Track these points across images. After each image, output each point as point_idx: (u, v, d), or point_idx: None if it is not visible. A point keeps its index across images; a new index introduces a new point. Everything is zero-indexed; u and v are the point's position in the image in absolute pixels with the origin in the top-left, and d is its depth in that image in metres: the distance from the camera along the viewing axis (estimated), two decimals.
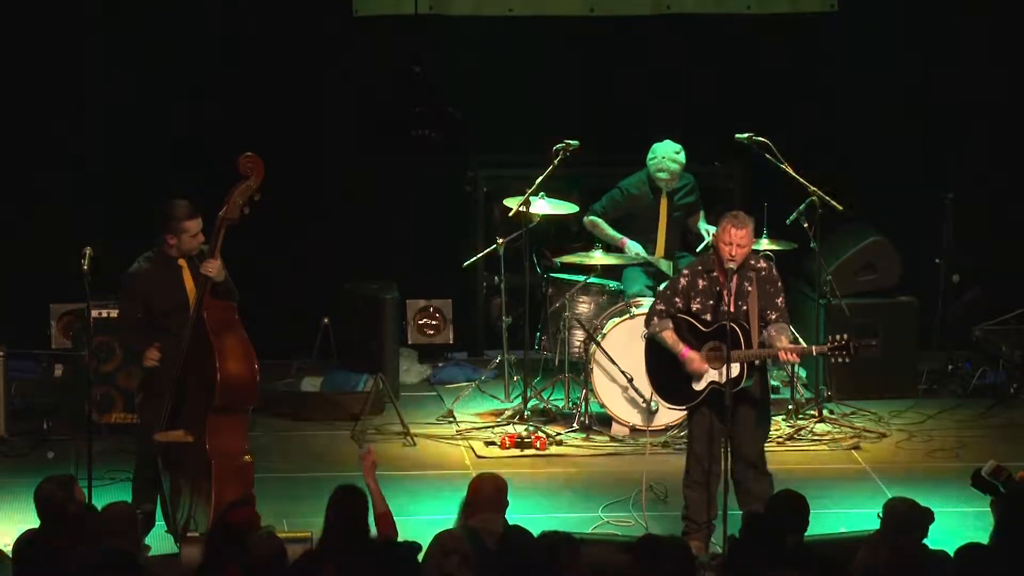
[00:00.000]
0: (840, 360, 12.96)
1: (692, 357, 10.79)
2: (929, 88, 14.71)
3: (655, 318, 10.98)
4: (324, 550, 9.51)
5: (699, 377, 10.87)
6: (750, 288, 10.81)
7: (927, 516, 9.40)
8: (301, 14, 14.45)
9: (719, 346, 10.73)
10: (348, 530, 9.45)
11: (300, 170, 13.74)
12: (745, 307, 10.81)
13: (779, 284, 10.96)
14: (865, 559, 9.21)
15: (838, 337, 11.49)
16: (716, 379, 10.78)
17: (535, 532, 10.11)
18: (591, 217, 13.49)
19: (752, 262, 10.91)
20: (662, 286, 11.50)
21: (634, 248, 13.36)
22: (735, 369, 10.69)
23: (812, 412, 13.42)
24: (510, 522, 9.90)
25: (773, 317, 10.83)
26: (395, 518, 9.89)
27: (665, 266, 13.28)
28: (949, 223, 14.39)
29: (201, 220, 10.82)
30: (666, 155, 13.26)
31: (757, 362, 10.89)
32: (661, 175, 13.28)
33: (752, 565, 8.99)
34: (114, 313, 12.20)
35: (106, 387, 12.94)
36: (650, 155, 13.31)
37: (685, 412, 11.28)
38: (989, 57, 14.78)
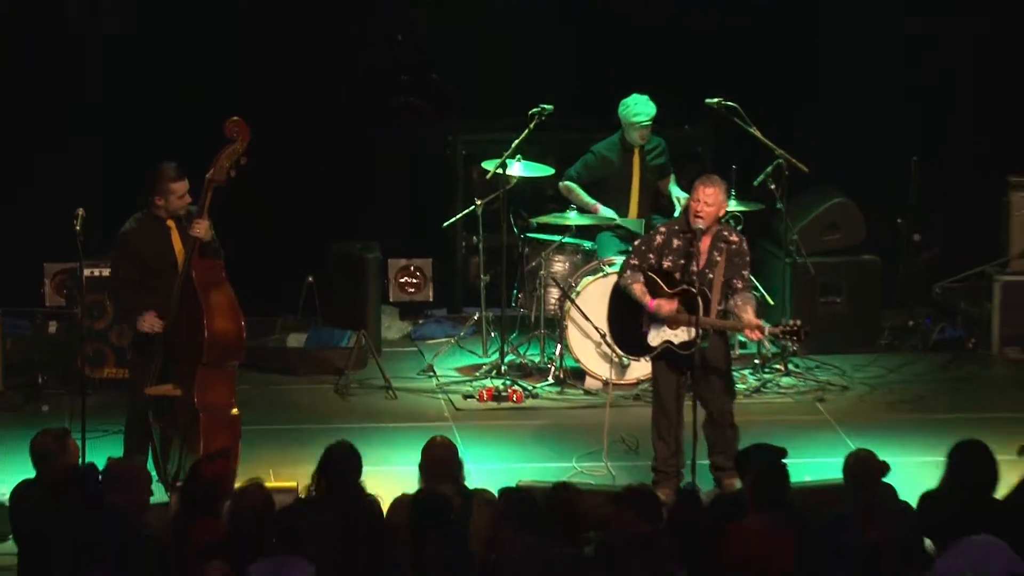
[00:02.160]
0: (789, 342, 12.86)
1: (660, 303, 10.83)
2: (898, 54, 14.69)
3: (628, 271, 11.03)
4: (310, 501, 9.58)
5: (655, 333, 10.93)
6: (719, 258, 10.88)
7: (884, 468, 9.47)
8: None
9: (680, 308, 10.81)
10: (337, 484, 9.52)
11: (286, 134, 13.74)
12: (711, 275, 10.84)
13: (747, 259, 11.01)
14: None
15: (792, 322, 11.48)
16: (671, 339, 10.85)
17: (512, 482, 10.23)
18: (566, 182, 13.50)
19: (726, 234, 10.98)
20: (638, 240, 11.48)
21: (607, 212, 13.36)
22: (692, 333, 10.76)
23: (778, 366, 13.51)
24: (489, 472, 10.03)
25: (740, 286, 10.90)
26: (377, 468, 9.96)
27: (636, 226, 13.28)
28: (913, 185, 14.43)
29: (188, 182, 10.83)
30: (638, 101, 13.27)
31: (716, 328, 10.93)
32: (639, 119, 13.24)
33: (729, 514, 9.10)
34: (106, 272, 12.18)
35: (98, 343, 12.96)
36: (622, 108, 13.30)
37: (651, 368, 11.35)
38: (955, 25, 14.75)
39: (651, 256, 10.99)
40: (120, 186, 11.91)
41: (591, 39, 14.69)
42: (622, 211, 13.39)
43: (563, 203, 13.51)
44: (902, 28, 14.64)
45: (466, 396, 13.12)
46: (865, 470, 9.45)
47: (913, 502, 9.37)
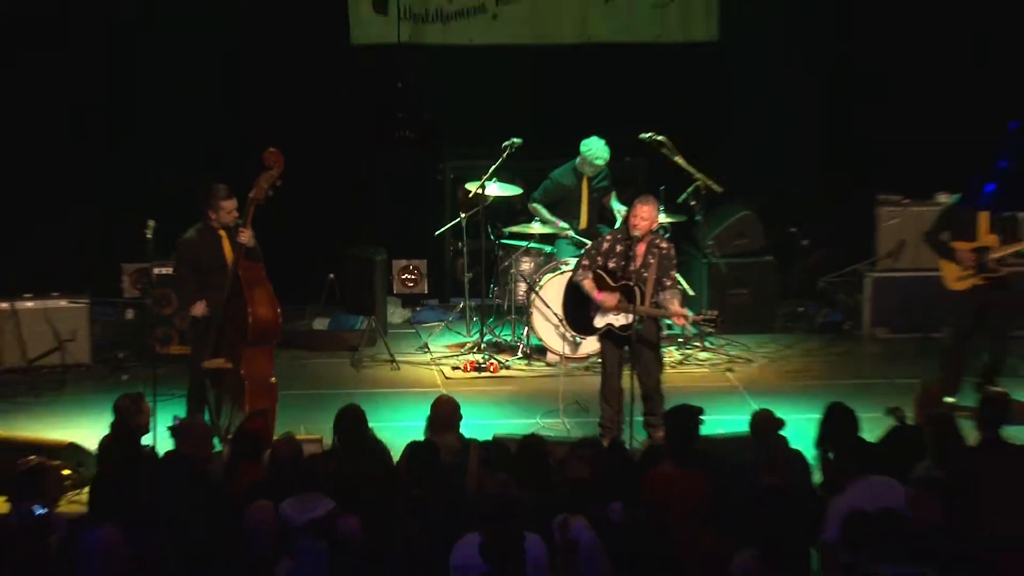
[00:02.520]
0: (705, 328, 12.97)
1: (605, 297, 10.94)
2: (789, 100, 14.57)
3: (580, 270, 11.12)
4: (332, 451, 9.65)
5: (599, 318, 11.02)
6: (652, 260, 10.95)
7: (780, 423, 9.58)
8: (312, 41, 14.42)
9: (623, 300, 10.91)
10: (349, 437, 9.58)
11: (312, 162, 13.65)
12: (646, 274, 10.93)
13: (674, 261, 11.12)
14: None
15: (708, 312, 11.58)
16: (612, 322, 10.97)
17: (489, 435, 10.28)
18: (532, 204, 13.50)
19: (657, 241, 11.05)
20: (588, 245, 11.55)
21: (563, 225, 13.37)
22: (630, 318, 10.86)
23: (697, 343, 13.56)
24: (471, 428, 10.07)
25: (668, 283, 10.99)
26: (384, 424, 10.07)
27: (584, 235, 13.26)
28: (801, 198, 14.54)
29: (236, 200, 10.91)
30: (600, 147, 13.21)
31: (649, 315, 11.03)
32: (597, 162, 13.21)
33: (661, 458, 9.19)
34: (170, 270, 12.17)
35: (165, 327, 12.97)
36: (584, 147, 13.20)
37: (599, 346, 11.42)
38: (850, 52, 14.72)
39: (599, 258, 11.08)
40: (177, 193, 11.83)
41: (551, 88, 14.66)
42: (574, 224, 13.39)
43: (530, 216, 13.53)
44: (796, 79, 14.59)
45: (454, 367, 13.15)
46: (765, 425, 9.58)
47: (805, 451, 9.53)
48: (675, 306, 10.93)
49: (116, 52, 14.17)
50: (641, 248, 10.95)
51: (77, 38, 14.11)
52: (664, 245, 11.06)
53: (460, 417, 9.73)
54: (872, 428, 9.61)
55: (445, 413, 9.72)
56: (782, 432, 9.54)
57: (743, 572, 7.66)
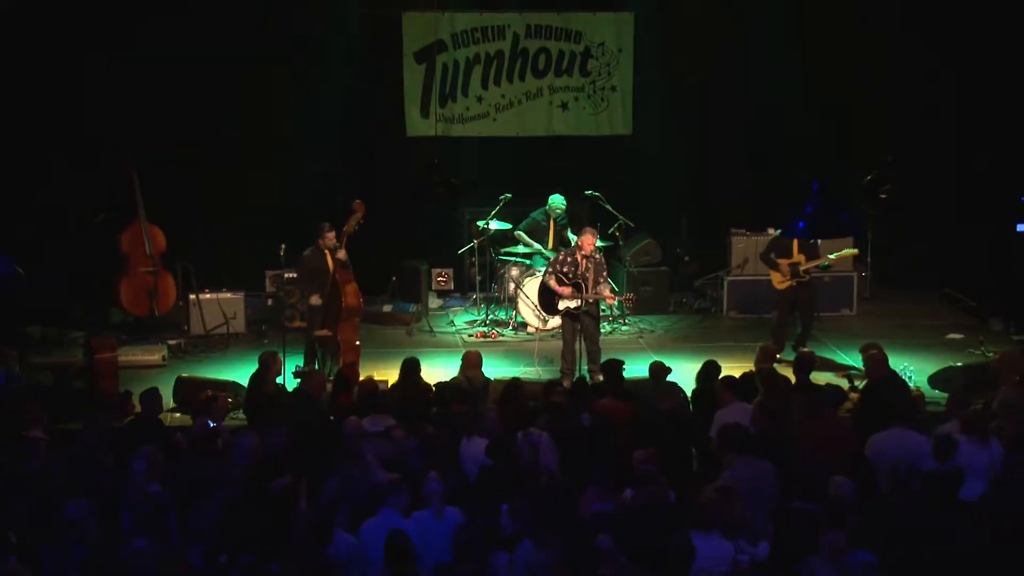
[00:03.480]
0: (627, 305, 12.85)
1: (565, 292, 10.86)
2: (674, 167, 14.23)
3: (547, 275, 11.09)
4: (392, 388, 9.60)
5: (562, 304, 10.99)
6: (591, 266, 10.93)
7: (667, 370, 9.53)
8: (386, 133, 14.18)
9: (575, 292, 10.85)
10: (406, 378, 9.53)
11: (384, 208, 13.33)
12: (589, 275, 10.91)
13: (604, 268, 11.09)
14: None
15: (629, 295, 11.62)
16: (570, 306, 10.88)
17: (492, 378, 10.23)
18: (518, 232, 13.36)
19: (596, 256, 11.02)
20: (552, 259, 11.48)
21: (538, 247, 13.23)
22: (579, 302, 10.83)
23: (620, 321, 13.40)
24: (483, 371, 10.03)
25: (601, 280, 10.96)
26: (425, 370, 9.87)
27: (551, 254, 13.07)
28: (684, 231, 14.37)
29: (334, 232, 10.82)
30: (559, 202, 13.11)
31: (592, 300, 10.94)
32: (556, 212, 13.11)
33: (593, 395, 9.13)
34: (294, 275, 12.11)
35: (291, 310, 12.72)
36: (551, 202, 13.11)
37: (560, 322, 11.33)
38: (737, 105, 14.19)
39: (559, 267, 11.05)
40: (303, 231, 11.47)
41: (530, 162, 14.39)
42: (545, 247, 13.23)
43: (515, 241, 13.39)
44: (678, 156, 14.37)
45: (469, 335, 13.00)
46: (659, 371, 9.55)
47: (683, 386, 9.50)
48: (607, 292, 10.99)
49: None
50: (584, 261, 10.91)
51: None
52: (598, 257, 11.03)
53: (482, 362, 9.76)
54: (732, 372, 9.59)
55: (474, 359, 9.83)
56: (670, 375, 9.52)
57: (642, 460, 7.58)
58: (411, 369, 9.52)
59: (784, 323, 11.92)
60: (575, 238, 12.13)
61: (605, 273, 11.16)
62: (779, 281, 11.89)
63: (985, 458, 7.77)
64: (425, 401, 9.31)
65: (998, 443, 7.92)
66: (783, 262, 11.81)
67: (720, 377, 9.18)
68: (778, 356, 11.23)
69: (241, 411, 10.05)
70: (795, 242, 11.77)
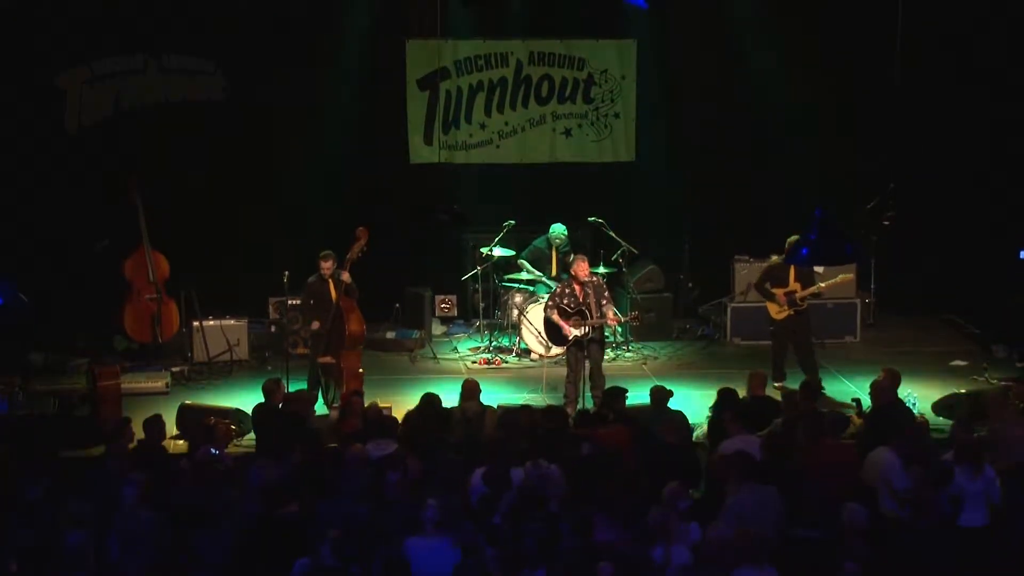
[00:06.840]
0: (633, 325, 12.84)
1: (567, 327, 10.97)
2: (679, 195, 14.33)
3: (548, 310, 11.13)
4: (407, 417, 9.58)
5: (570, 335, 11.03)
6: (590, 291, 10.97)
7: (669, 395, 9.52)
8: (388, 161, 14.17)
9: (579, 320, 10.86)
10: (423, 411, 9.52)
11: (388, 234, 13.33)
12: (590, 300, 10.93)
13: (606, 290, 11.14)
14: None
15: (634, 314, 11.62)
16: (578, 335, 10.89)
17: (495, 405, 10.22)
18: (521, 260, 13.43)
19: (593, 279, 11.06)
20: (554, 289, 11.54)
21: (540, 275, 13.28)
22: (585, 330, 10.89)
23: (624, 347, 13.40)
24: (485, 398, 10.03)
25: (604, 303, 10.98)
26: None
27: (553, 282, 13.16)
28: (687, 257, 14.41)
29: (334, 260, 10.88)
30: (560, 230, 13.23)
31: (598, 325, 10.98)
32: (557, 240, 13.21)
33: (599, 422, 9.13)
34: (298, 301, 12.15)
35: (294, 336, 12.80)
36: (552, 231, 13.22)
37: (565, 349, 11.36)
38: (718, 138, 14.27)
39: (558, 298, 11.11)
40: (306, 258, 11.52)
41: (533, 189, 14.39)
42: (547, 273, 13.30)
43: (519, 268, 13.42)
44: (679, 183, 14.36)
45: (473, 362, 13.03)
46: (660, 397, 9.56)
47: (688, 414, 9.48)
48: (611, 314, 11.00)
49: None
50: (581, 289, 10.97)
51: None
52: (595, 279, 11.09)
53: (480, 391, 9.74)
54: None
55: (471, 389, 9.75)
56: (671, 400, 9.52)
57: (670, 496, 7.50)
58: (430, 403, 9.55)
59: (784, 353, 11.87)
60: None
61: (607, 294, 11.19)
62: (776, 311, 11.84)
63: (980, 485, 7.83)
64: (440, 430, 9.31)
65: (992, 470, 7.96)
66: (779, 291, 11.77)
67: (728, 409, 9.14)
68: (779, 384, 11.28)
69: (245, 438, 10.10)
70: (792, 269, 11.71)
